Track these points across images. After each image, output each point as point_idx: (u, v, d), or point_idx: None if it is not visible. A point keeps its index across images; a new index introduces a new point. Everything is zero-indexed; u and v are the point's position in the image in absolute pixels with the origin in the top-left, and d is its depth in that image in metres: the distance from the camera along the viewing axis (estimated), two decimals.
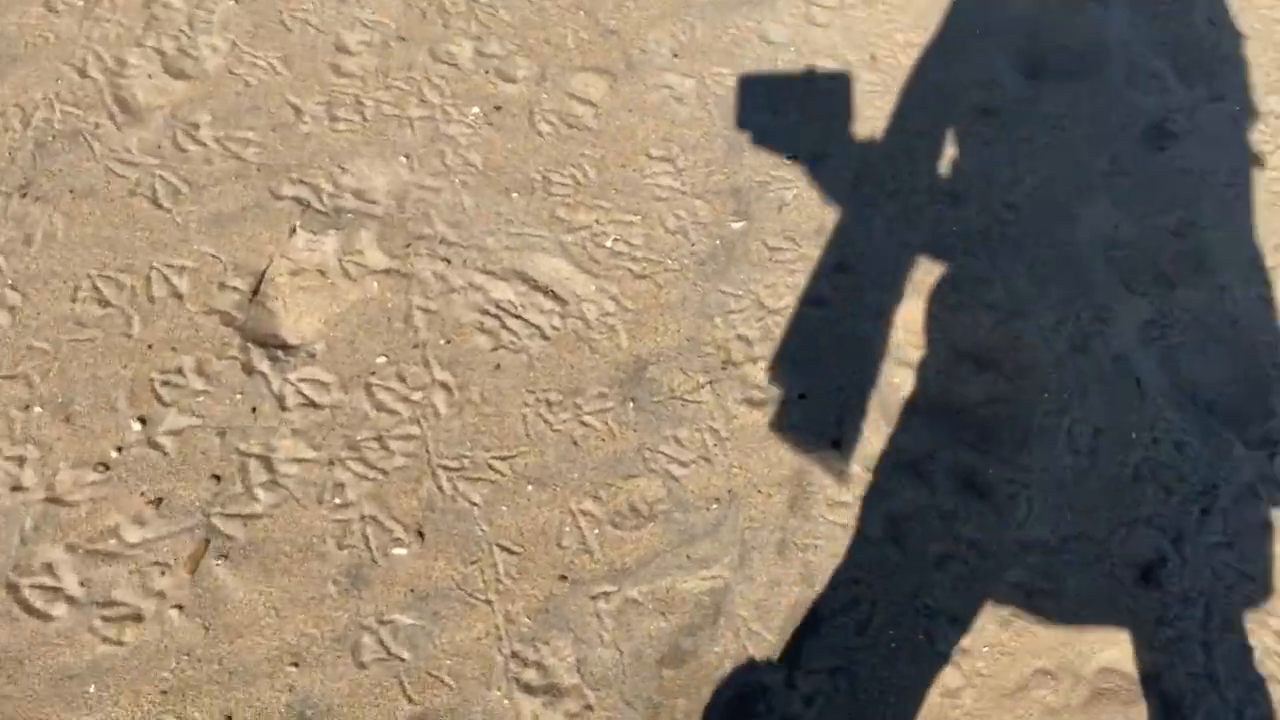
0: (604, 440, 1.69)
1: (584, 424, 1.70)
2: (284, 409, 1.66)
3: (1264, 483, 1.72)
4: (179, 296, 1.78)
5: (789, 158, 2.08)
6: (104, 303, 1.75)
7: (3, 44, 2.08)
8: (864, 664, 1.50)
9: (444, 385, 1.72)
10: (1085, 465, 1.72)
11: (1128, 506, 1.68)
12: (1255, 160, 2.15)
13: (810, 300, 1.88)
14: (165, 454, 1.61)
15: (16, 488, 1.56)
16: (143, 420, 1.63)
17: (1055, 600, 1.58)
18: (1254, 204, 2.08)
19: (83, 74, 2.05)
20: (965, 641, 1.54)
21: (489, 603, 1.52)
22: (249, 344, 1.73)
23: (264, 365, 1.70)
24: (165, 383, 1.68)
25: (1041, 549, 1.63)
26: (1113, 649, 1.55)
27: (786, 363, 1.80)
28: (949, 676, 1.51)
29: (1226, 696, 1.51)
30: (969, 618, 1.56)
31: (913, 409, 1.76)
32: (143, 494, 1.57)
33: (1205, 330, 1.90)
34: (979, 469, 1.70)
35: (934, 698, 1.49)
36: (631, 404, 1.73)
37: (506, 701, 1.44)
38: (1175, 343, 1.88)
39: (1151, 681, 1.52)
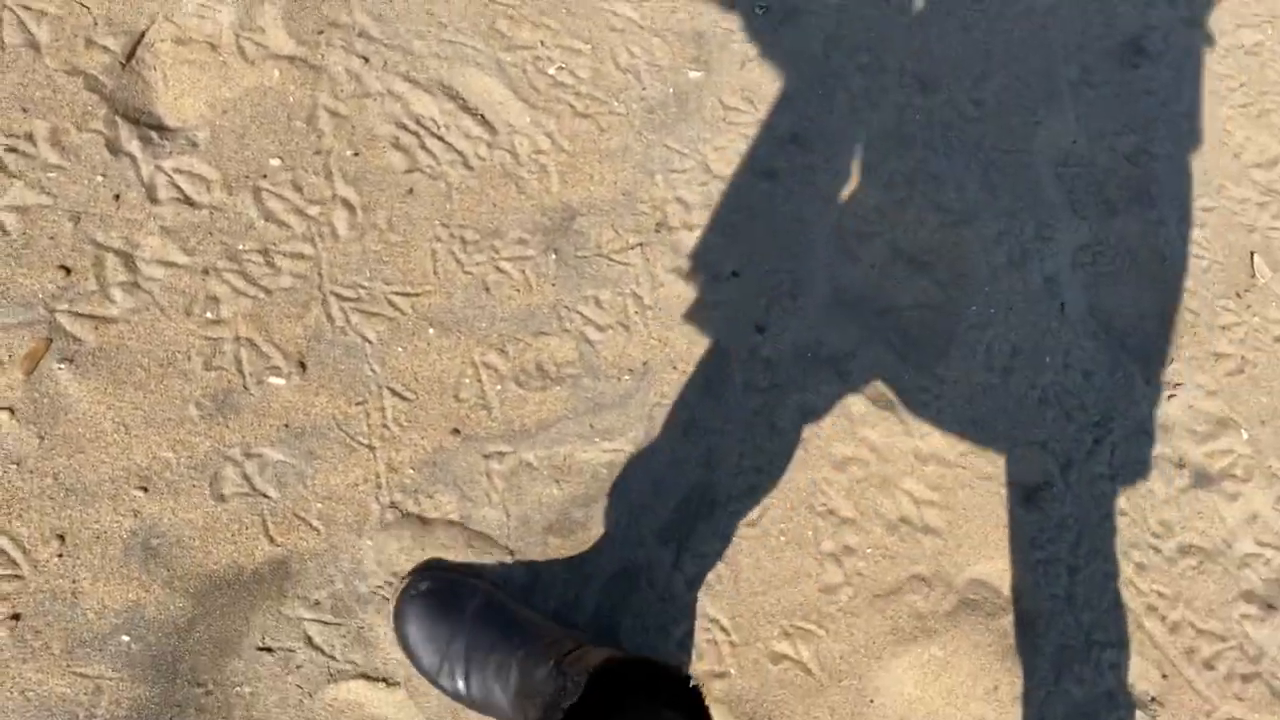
0: (519, 290, 1.45)
1: (499, 270, 1.46)
2: (154, 201, 1.35)
3: (1155, 422, 1.65)
4: (36, 47, 1.40)
5: (759, 9, 1.78)
6: None
7: None
8: (750, 554, 1.39)
9: (346, 203, 1.43)
10: (997, 383, 1.61)
11: (1027, 428, 1.59)
12: (1215, 95, 1.97)
13: (759, 171, 1.64)
14: (5, 233, 1.29)
15: None
16: None
17: (943, 512, 1.49)
18: (1206, 141, 1.92)
19: None
20: (851, 541, 1.44)
21: (371, 448, 1.31)
22: (117, 118, 1.38)
23: (133, 146, 1.37)
24: (11, 149, 1.33)
25: (939, 461, 1.53)
26: (986, 563, 1.49)
27: (724, 235, 1.58)
28: (830, 574, 1.42)
29: (1080, 619, 1.48)
30: (859, 519, 1.46)
31: (843, 303, 1.59)
32: None
33: (1134, 262, 1.77)
34: (896, 373, 1.56)
35: (813, 592, 1.40)
36: (554, 255, 1.49)
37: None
38: (1104, 271, 1.74)
39: (1015, 598, 1.48)
